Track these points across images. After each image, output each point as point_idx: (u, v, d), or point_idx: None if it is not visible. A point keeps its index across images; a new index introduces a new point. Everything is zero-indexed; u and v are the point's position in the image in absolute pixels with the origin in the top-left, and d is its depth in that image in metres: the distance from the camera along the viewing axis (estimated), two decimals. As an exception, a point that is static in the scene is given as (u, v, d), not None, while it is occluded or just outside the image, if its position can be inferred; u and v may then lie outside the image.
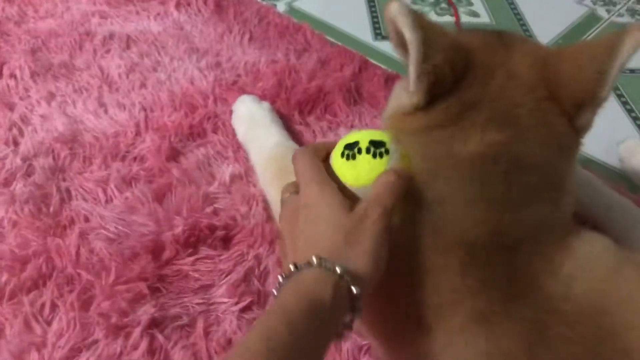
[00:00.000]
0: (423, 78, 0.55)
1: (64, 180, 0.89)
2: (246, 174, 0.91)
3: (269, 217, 0.84)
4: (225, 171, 0.91)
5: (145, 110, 1.01)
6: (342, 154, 0.59)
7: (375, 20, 1.31)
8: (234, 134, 0.97)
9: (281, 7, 1.32)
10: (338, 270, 0.48)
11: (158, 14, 1.23)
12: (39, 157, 0.91)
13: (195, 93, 1.04)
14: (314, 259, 0.49)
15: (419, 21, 0.54)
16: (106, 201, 0.86)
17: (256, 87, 1.06)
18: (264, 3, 1.31)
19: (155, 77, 1.08)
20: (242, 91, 1.05)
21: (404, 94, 0.60)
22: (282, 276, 0.50)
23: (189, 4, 1.26)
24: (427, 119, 0.58)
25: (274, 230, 0.82)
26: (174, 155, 0.93)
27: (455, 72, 0.57)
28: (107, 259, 0.78)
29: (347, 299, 0.48)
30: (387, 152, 0.58)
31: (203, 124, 0.99)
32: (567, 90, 0.57)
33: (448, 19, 1.32)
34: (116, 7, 1.25)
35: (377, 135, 0.59)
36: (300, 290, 0.47)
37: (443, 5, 1.36)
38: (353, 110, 1.04)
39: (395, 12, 0.53)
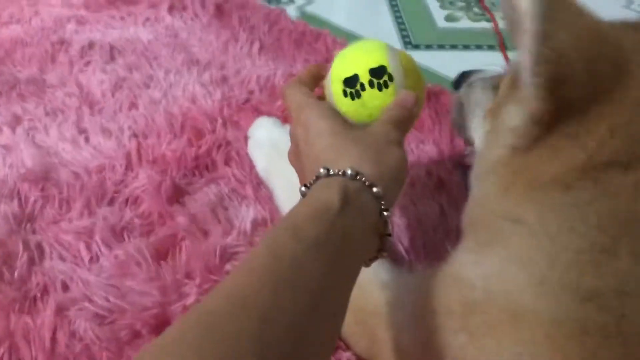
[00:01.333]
0: (542, 67, 0.40)
1: (34, 232, 0.68)
2: (272, 219, 0.71)
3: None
4: (246, 215, 0.71)
5: (137, 137, 0.80)
6: (345, 93, 0.55)
7: (402, 27, 1.12)
8: (252, 166, 0.77)
9: (292, 12, 1.12)
10: (349, 171, 0.44)
11: (147, 19, 1.03)
12: (0, 202, 0.70)
13: (199, 114, 0.84)
14: (321, 170, 0.45)
15: None
16: (91, 261, 0.65)
17: (274, 106, 0.87)
18: (272, 7, 1.11)
19: (148, 95, 0.87)
20: (257, 112, 0.85)
21: (512, 113, 0.44)
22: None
23: (184, 8, 1.06)
24: (573, 156, 0.41)
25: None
26: (178, 195, 0.73)
27: (594, 70, 0.40)
28: (95, 346, 0.57)
29: (369, 200, 0.44)
30: (390, 77, 0.54)
31: (212, 154, 0.78)
32: None
33: (485, 24, 1.14)
34: (96, 12, 1.04)
35: (373, 59, 0.55)
36: (306, 201, 0.44)
37: (476, 10, 1.18)
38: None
39: None
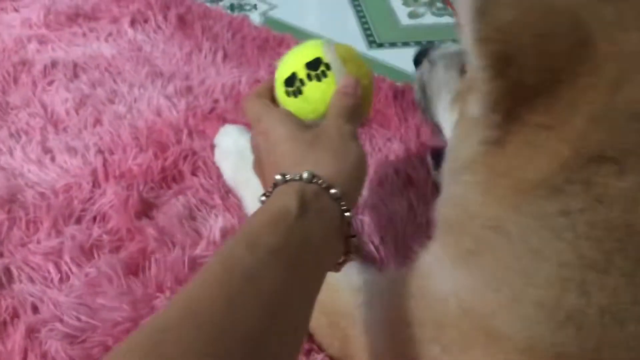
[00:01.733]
0: (483, 47, 0.36)
1: (1, 255, 0.68)
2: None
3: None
4: (214, 225, 0.71)
5: (102, 153, 0.80)
6: (287, 94, 0.55)
7: (366, 27, 1.13)
8: (219, 175, 0.77)
9: (256, 19, 1.12)
10: (305, 175, 0.44)
11: (110, 34, 1.02)
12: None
13: (164, 127, 0.83)
14: (278, 177, 0.45)
15: None
16: (60, 280, 0.65)
17: (240, 114, 0.86)
18: (235, 15, 1.11)
19: (113, 110, 0.87)
20: (223, 120, 0.85)
21: (472, 101, 0.41)
22: None
23: (146, 20, 1.05)
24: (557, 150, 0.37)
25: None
26: (146, 209, 0.73)
27: (547, 47, 0.37)
28: (67, 366, 0.57)
29: (329, 203, 0.44)
30: (327, 67, 0.54)
31: (178, 166, 0.78)
32: None
33: (448, 19, 1.15)
34: (57, 30, 1.03)
35: (308, 54, 0.55)
36: (263, 208, 0.43)
37: (439, 4, 1.19)
38: (360, 133, 0.85)
39: None
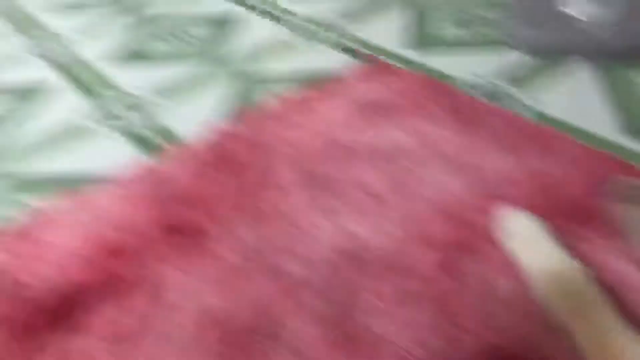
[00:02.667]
0: None
1: (351, 294, 0.92)
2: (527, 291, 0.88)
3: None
4: (505, 286, 0.89)
5: (413, 222, 1.03)
6: None
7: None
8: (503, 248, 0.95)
9: (529, 115, 1.30)
10: None
11: (410, 127, 1.28)
12: (321, 268, 0.96)
13: (457, 206, 1.05)
14: None
15: None
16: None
17: (517, 200, 1.05)
18: (508, 109, 1.31)
19: (419, 191, 1.10)
20: (506, 204, 1.04)
21: None
22: None
23: (437, 116, 1.30)
24: None
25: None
26: (450, 269, 0.93)
27: None
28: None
29: None
30: None
31: (475, 238, 0.98)
32: None
33: None
34: (365, 121, 1.31)
35: None
36: None
37: None
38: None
39: None
